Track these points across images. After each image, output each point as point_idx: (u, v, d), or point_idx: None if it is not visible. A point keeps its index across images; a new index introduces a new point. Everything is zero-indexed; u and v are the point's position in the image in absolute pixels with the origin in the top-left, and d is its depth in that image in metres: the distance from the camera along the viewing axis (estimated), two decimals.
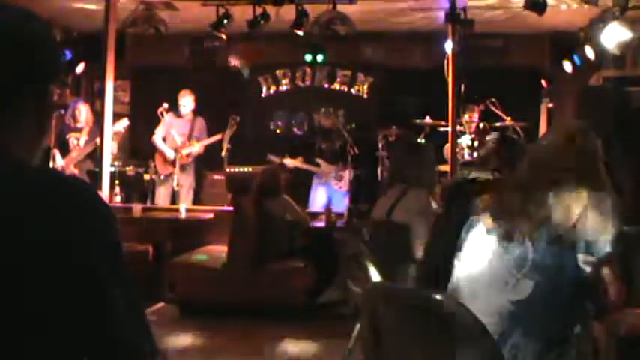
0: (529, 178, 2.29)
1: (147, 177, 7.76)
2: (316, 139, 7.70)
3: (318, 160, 7.55)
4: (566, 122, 2.76)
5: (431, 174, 4.30)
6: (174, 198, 7.52)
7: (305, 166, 7.56)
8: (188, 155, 7.49)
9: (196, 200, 7.71)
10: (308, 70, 8.93)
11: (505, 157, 3.18)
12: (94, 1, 7.00)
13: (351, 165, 7.38)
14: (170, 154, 7.51)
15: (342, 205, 7.08)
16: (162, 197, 7.52)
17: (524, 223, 2.19)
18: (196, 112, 7.63)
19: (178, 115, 7.58)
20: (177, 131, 7.54)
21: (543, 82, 8.39)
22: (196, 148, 7.48)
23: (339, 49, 8.11)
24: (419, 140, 7.30)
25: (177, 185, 7.38)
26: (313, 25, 6.74)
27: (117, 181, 7.11)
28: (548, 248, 2.13)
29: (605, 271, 2.13)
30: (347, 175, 7.50)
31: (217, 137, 7.55)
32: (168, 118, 7.61)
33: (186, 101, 7.55)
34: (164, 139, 7.59)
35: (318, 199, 7.49)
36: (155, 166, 7.62)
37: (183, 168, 7.50)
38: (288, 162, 7.44)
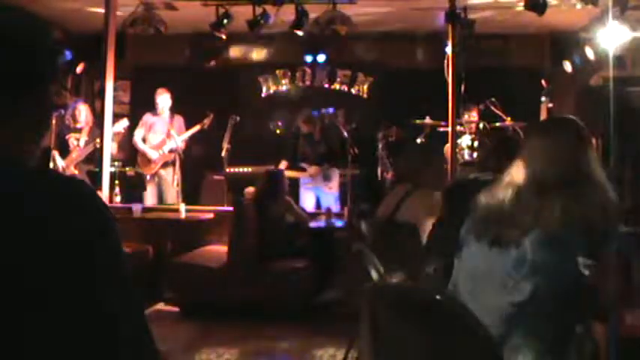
0: (519, 180, 2.27)
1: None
2: (299, 144, 7.64)
3: (303, 165, 7.51)
4: (555, 120, 2.73)
5: (438, 175, 4.29)
6: (161, 197, 7.55)
7: (290, 173, 7.47)
8: (170, 152, 7.49)
9: (195, 200, 7.71)
10: (308, 70, 8.93)
11: (504, 156, 3.18)
12: (94, 1, 7.00)
13: (350, 165, 7.36)
14: (152, 154, 7.54)
15: (333, 206, 7.04)
16: (149, 197, 7.53)
17: (512, 228, 2.18)
18: (173, 109, 7.66)
19: (156, 114, 7.61)
20: (156, 130, 7.57)
21: (543, 82, 8.39)
22: (178, 142, 7.44)
23: (339, 49, 8.11)
24: (420, 140, 7.31)
25: (177, 184, 7.38)
26: (313, 25, 6.74)
27: (117, 181, 7.11)
28: (547, 250, 2.13)
29: (603, 270, 2.13)
30: (335, 175, 7.47)
31: (196, 128, 7.55)
32: (146, 118, 7.65)
33: (163, 99, 7.58)
34: (144, 140, 7.61)
35: (307, 202, 7.45)
36: (138, 166, 7.64)
37: (166, 165, 7.53)
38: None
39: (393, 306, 2.33)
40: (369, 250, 3.64)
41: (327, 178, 7.47)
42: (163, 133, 7.55)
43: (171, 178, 7.47)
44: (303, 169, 7.50)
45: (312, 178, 7.50)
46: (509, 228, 2.18)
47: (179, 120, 7.67)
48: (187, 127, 7.63)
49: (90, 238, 0.95)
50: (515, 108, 7.40)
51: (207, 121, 7.55)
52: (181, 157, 7.47)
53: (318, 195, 7.51)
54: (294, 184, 7.50)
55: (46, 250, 0.91)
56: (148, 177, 7.57)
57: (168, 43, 7.95)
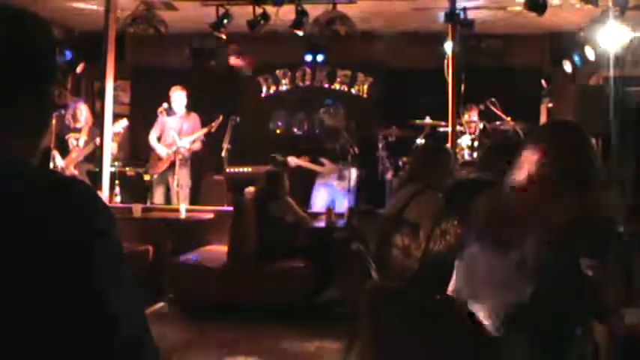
0: (520, 182, 2.27)
1: (147, 177, 7.76)
2: (321, 138, 7.67)
3: (322, 160, 7.52)
4: (556, 123, 2.73)
5: (448, 177, 4.28)
6: (169, 197, 7.53)
7: (310, 165, 7.51)
8: (177, 152, 7.46)
9: (195, 200, 7.71)
10: (308, 70, 8.93)
11: (504, 157, 3.18)
12: (94, 1, 7.00)
13: (355, 165, 7.37)
14: (162, 152, 7.51)
15: (344, 205, 7.04)
16: (157, 196, 7.52)
17: (513, 229, 2.18)
18: (189, 108, 7.62)
19: (171, 112, 7.58)
20: (170, 128, 7.55)
21: (543, 82, 8.39)
22: (180, 144, 7.42)
23: (339, 49, 8.11)
24: (420, 140, 7.31)
25: (177, 185, 7.37)
26: (313, 25, 6.74)
27: (117, 181, 7.10)
28: (549, 251, 2.12)
29: (605, 271, 2.13)
30: (351, 175, 7.46)
31: (204, 131, 7.53)
32: (161, 117, 7.61)
33: (178, 96, 7.53)
34: (159, 139, 7.59)
35: (320, 199, 7.45)
36: (149, 166, 7.63)
37: (174, 166, 7.50)
38: (293, 160, 7.41)
39: (393, 306, 2.33)
40: (366, 249, 3.64)
41: (341, 178, 7.45)
42: (176, 132, 7.51)
43: (172, 179, 7.44)
44: (322, 164, 7.50)
45: (327, 174, 7.49)
46: (510, 229, 2.18)
47: (194, 118, 7.62)
48: (203, 126, 7.60)
49: (90, 239, 0.95)
50: (515, 108, 7.40)
51: (214, 124, 7.52)
52: (181, 159, 7.44)
53: (331, 193, 7.48)
54: (309, 178, 7.52)
55: (46, 251, 0.91)
56: (156, 176, 7.56)
57: (168, 43, 7.95)
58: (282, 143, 8.29)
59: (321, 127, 7.78)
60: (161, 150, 7.52)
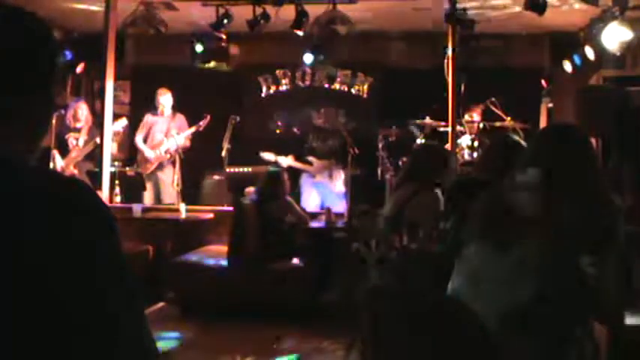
0: (520, 182, 2.27)
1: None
2: (309, 137, 7.69)
3: (310, 158, 7.52)
4: (559, 125, 2.75)
5: (449, 177, 4.28)
6: (159, 196, 7.55)
7: (297, 165, 7.53)
8: (167, 152, 7.50)
9: (195, 200, 7.71)
10: (308, 70, 8.93)
11: (504, 157, 3.18)
12: (94, 1, 7.00)
13: (350, 165, 7.35)
14: (149, 153, 7.55)
15: (336, 206, 7.03)
16: (147, 196, 7.55)
17: (514, 229, 2.18)
18: (175, 108, 7.69)
19: (156, 114, 7.63)
20: (156, 130, 7.59)
21: (543, 82, 8.39)
22: (178, 141, 7.45)
23: (339, 49, 8.11)
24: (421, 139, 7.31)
25: (177, 184, 7.37)
26: (313, 25, 6.74)
27: (117, 181, 7.11)
28: (549, 250, 2.13)
29: (605, 271, 2.13)
30: (341, 175, 7.47)
31: (191, 130, 7.57)
32: (146, 118, 7.66)
33: (165, 99, 7.61)
34: (145, 140, 7.63)
35: (311, 199, 7.45)
36: (137, 166, 7.67)
37: (163, 166, 7.55)
38: (282, 160, 7.43)
39: (394, 306, 2.33)
40: (366, 249, 3.64)
41: (331, 177, 7.46)
42: (163, 132, 7.57)
43: (171, 178, 7.46)
44: (310, 163, 7.51)
45: (317, 173, 7.50)
46: (511, 228, 2.18)
47: (181, 118, 7.68)
48: (190, 126, 7.65)
49: (90, 238, 0.95)
50: (515, 108, 7.39)
51: (202, 124, 7.57)
52: (181, 157, 7.46)
53: (322, 192, 7.49)
54: (299, 176, 7.52)
55: (46, 251, 0.91)
56: (145, 176, 7.59)
57: (168, 43, 7.95)
58: (282, 143, 8.29)
59: (312, 126, 7.78)
60: (149, 152, 7.56)
